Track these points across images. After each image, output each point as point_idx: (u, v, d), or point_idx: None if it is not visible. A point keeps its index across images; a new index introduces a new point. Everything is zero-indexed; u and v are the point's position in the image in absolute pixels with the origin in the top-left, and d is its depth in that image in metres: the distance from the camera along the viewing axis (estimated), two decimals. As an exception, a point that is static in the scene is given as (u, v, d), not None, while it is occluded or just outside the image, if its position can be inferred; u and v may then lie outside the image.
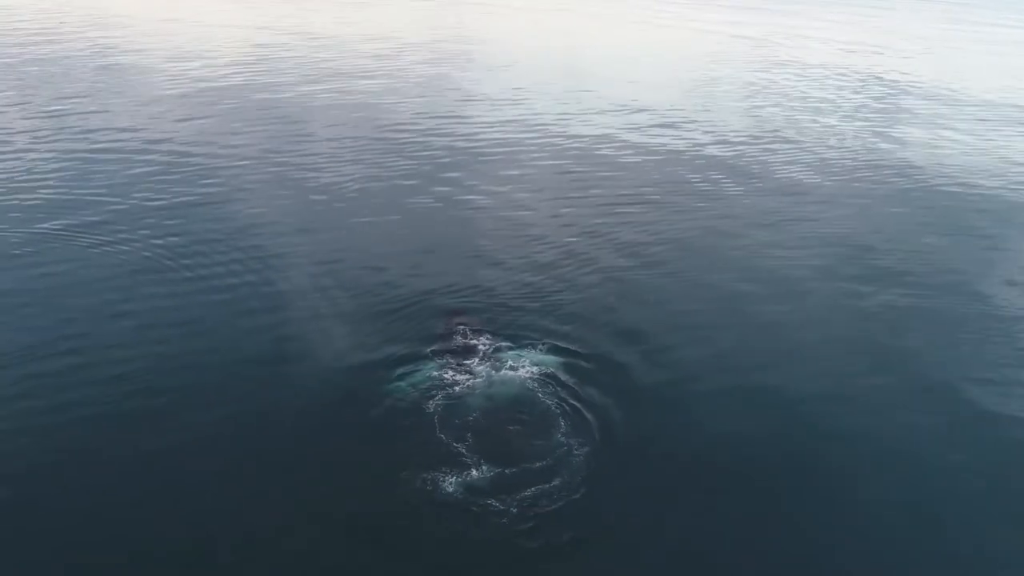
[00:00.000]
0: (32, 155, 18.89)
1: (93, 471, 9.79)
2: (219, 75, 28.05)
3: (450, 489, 9.68)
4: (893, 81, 37.94)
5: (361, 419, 11.04)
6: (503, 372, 12.11)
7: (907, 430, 11.80)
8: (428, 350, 12.62)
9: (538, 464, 10.15)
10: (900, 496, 10.49)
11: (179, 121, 22.10)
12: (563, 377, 12.06)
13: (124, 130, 21.28)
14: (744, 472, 10.78)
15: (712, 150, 24.95)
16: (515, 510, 9.46)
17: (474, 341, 12.84)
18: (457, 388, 11.63)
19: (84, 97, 23.98)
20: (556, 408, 11.28)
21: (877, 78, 39.26)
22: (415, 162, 21.09)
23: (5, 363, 11.40)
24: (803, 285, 16.22)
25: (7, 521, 9.02)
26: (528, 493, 9.68)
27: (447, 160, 21.53)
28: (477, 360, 12.36)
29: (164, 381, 11.43)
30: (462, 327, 13.17)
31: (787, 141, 26.19)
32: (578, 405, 11.40)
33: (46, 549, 8.69)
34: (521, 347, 12.89)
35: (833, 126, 28.58)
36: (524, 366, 12.27)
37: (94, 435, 10.34)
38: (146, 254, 14.75)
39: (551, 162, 22.34)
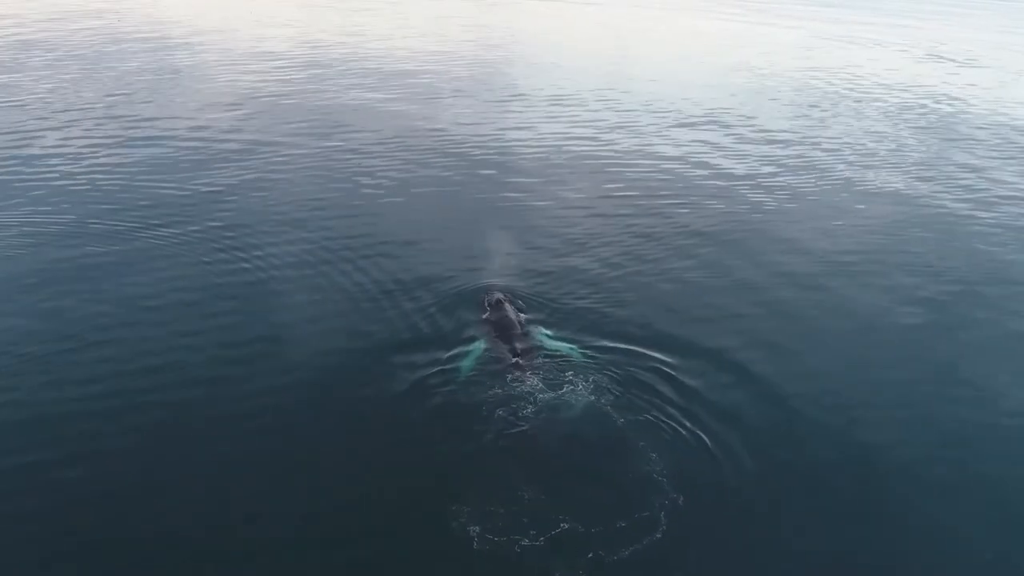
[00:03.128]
0: (87, 144, 18.05)
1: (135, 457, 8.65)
2: (268, 71, 26.98)
3: (504, 533, 7.43)
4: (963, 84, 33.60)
5: (398, 429, 9.10)
6: (564, 385, 9.69)
7: None
8: (473, 345, 10.58)
9: (616, 514, 7.74)
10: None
11: (228, 113, 21.10)
12: (636, 394, 9.68)
13: (175, 121, 20.28)
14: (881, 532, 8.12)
15: (770, 149, 21.85)
16: (584, 577, 6.99)
17: (526, 341, 10.65)
18: (512, 403, 9.38)
19: (139, 90, 23.24)
20: (632, 435, 8.85)
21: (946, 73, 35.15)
22: (460, 155, 19.10)
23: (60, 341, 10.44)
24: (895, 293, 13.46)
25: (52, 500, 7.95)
26: (600, 554, 7.21)
27: (493, 154, 19.45)
28: (530, 365, 10.09)
29: (202, 367, 10.15)
30: (510, 321, 11.00)
31: (849, 144, 22.74)
32: (665, 432, 8.92)
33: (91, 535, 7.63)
34: (580, 349, 10.61)
35: (895, 131, 24.90)
36: (586, 375, 9.88)
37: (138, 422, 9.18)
38: (189, 240, 13.54)
39: (600, 159, 19.89)
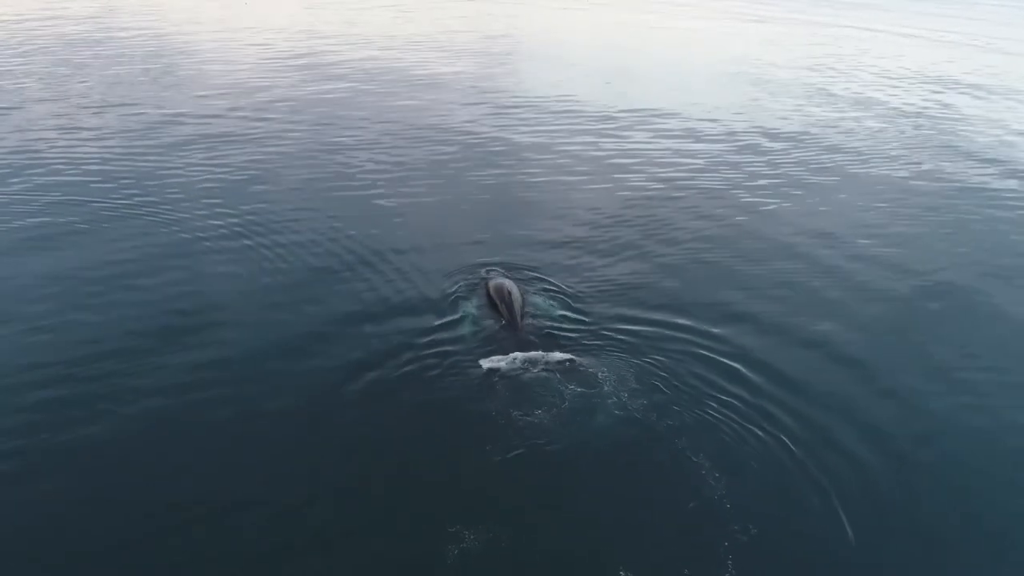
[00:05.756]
0: (82, 136, 15.90)
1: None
2: (270, 63, 24.74)
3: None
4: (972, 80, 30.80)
5: (386, 424, 7.23)
6: (588, 376, 7.75)
7: None
8: (465, 312, 9.03)
9: (667, 555, 5.76)
10: None
11: (228, 108, 18.77)
12: (682, 387, 7.69)
13: (170, 111, 18.04)
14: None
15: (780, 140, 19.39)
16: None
17: (525, 308, 9.07)
18: (524, 402, 7.41)
19: (134, 80, 20.99)
20: (682, 444, 6.81)
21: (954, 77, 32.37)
22: (464, 147, 16.71)
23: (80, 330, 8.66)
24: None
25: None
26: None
27: (497, 145, 17.03)
28: (534, 334, 8.55)
29: (209, 348, 8.43)
30: (507, 290, 9.22)
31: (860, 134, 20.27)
32: (726, 438, 6.86)
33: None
34: (592, 321, 8.85)
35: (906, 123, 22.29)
36: (616, 364, 8.00)
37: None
38: (194, 230, 11.55)
39: (605, 150, 17.25)
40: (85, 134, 15.73)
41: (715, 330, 8.84)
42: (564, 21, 44.24)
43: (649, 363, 8.03)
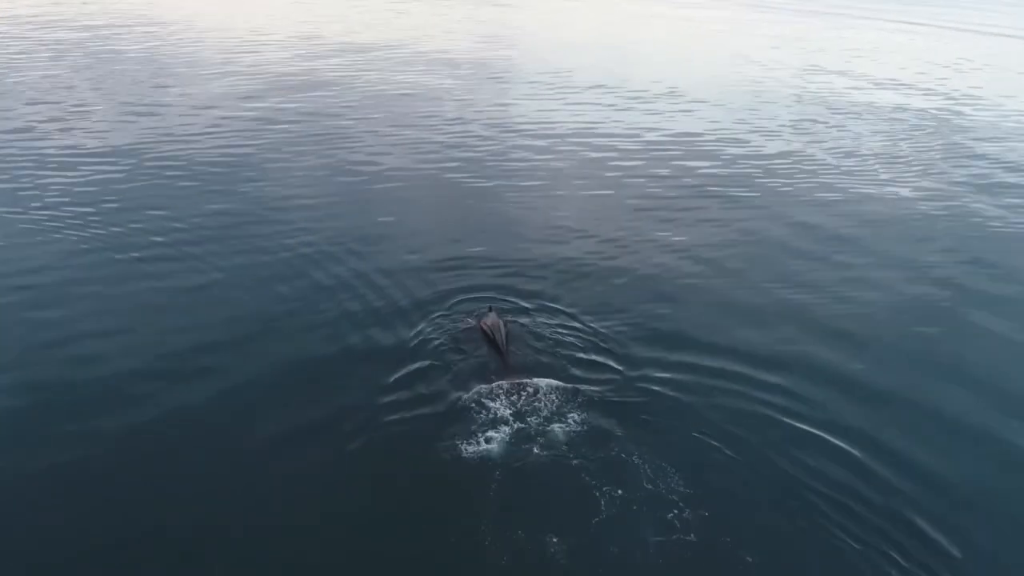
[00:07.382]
0: (57, 138, 13.62)
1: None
2: (259, 62, 22.28)
3: None
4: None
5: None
6: (623, 452, 5.31)
7: None
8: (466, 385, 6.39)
9: None
10: None
11: (218, 110, 16.38)
12: (744, 463, 5.21)
13: (158, 117, 15.51)
14: None
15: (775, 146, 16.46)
16: None
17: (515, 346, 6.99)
18: (528, 527, 4.90)
19: (113, 80, 18.45)
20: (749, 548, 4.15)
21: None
22: (460, 154, 14.17)
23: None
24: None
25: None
26: None
27: (493, 154, 14.38)
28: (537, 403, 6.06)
29: (198, 358, 6.84)
30: (497, 326, 7.14)
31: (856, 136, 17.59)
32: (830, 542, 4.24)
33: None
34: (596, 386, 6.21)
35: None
36: (651, 464, 5.42)
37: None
38: (183, 236, 9.54)
39: (605, 159, 14.44)
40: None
41: (787, 377, 6.27)
42: (572, 16, 41.95)
43: (703, 437, 5.46)
